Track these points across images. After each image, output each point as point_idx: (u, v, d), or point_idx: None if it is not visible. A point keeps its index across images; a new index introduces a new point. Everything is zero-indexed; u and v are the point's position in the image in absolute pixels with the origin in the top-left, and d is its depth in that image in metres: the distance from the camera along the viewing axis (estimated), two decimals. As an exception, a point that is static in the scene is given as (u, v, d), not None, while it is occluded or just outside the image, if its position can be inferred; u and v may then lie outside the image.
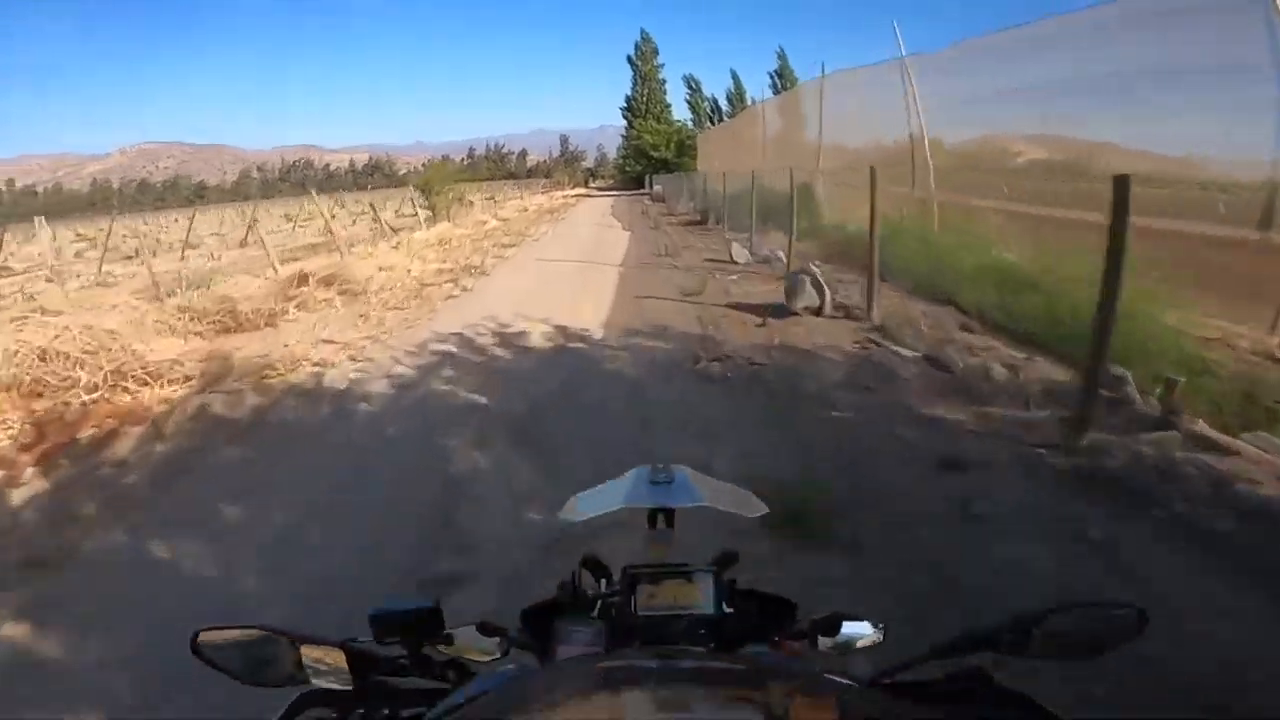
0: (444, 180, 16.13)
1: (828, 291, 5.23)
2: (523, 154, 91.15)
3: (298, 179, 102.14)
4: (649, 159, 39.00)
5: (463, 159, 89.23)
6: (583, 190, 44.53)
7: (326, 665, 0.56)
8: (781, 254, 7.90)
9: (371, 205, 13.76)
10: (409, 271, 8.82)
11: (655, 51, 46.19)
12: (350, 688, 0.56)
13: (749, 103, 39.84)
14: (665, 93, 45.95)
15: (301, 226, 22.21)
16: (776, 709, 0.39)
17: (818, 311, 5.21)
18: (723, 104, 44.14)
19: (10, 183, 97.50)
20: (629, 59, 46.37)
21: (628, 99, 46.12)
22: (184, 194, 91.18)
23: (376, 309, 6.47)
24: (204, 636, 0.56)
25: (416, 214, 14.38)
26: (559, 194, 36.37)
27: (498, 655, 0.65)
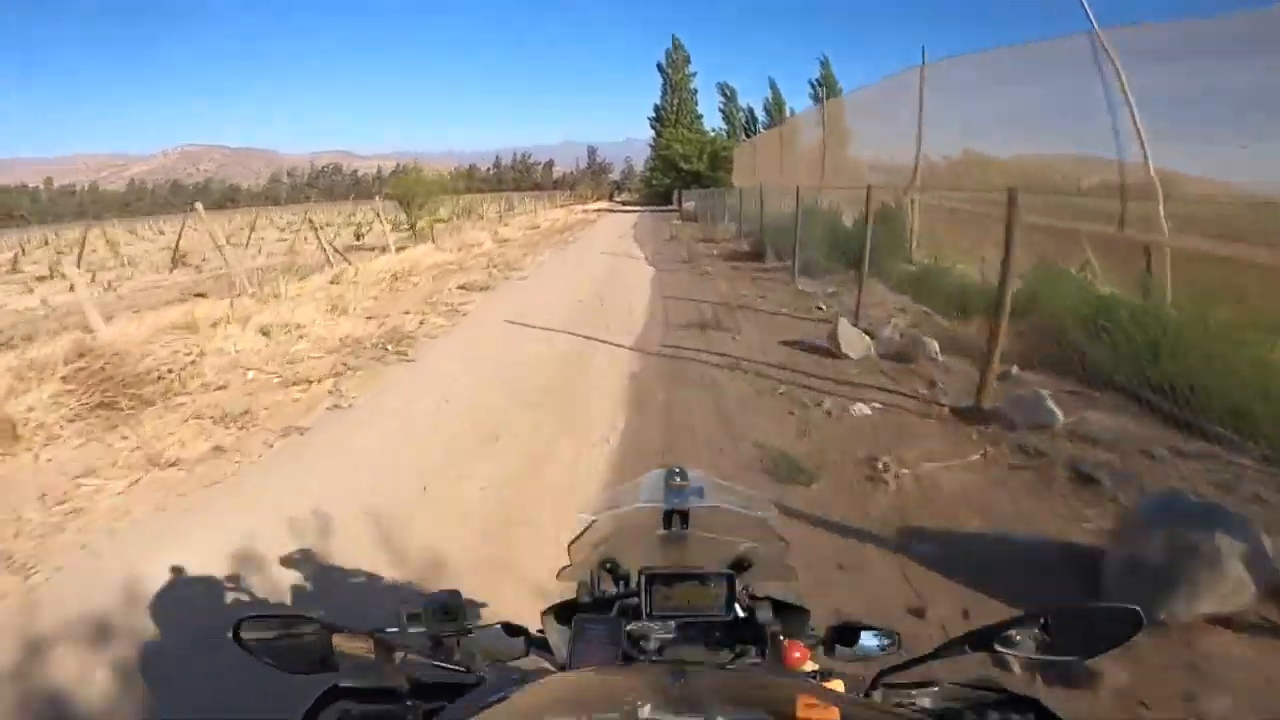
0: (426, 192, 12.90)
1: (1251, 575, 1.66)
2: (549, 164, 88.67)
3: (326, 184, 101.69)
4: (678, 171, 35.68)
5: (488, 168, 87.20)
6: (605, 205, 41.36)
7: (357, 654, 0.58)
8: (932, 344, 4.33)
9: (310, 221, 10.54)
10: (301, 338, 5.53)
11: (687, 59, 43.12)
12: (376, 685, 0.59)
13: (788, 113, 36.52)
14: (696, 102, 42.83)
15: (283, 239, 19.46)
16: (783, 707, 0.40)
17: (1231, 620, 1.66)
18: (759, 115, 40.92)
19: (48, 181, 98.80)
20: (659, 66, 43.38)
21: (656, 108, 43.07)
22: (215, 197, 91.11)
23: (121, 463, 3.13)
24: (246, 624, 0.59)
25: (384, 232, 11.13)
26: (579, 208, 33.18)
27: (519, 654, 0.72)
